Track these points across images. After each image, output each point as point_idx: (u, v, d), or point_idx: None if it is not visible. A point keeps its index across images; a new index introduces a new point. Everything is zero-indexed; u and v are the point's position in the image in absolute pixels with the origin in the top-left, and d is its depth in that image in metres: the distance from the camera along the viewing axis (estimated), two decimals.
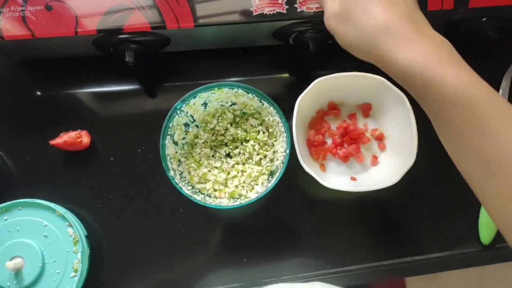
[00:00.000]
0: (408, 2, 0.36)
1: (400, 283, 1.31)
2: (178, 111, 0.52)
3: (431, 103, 0.34)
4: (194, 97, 0.53)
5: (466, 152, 0.33)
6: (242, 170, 0.56)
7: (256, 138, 0.57)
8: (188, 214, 0.57)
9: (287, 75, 0.64)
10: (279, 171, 0.51)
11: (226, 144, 0.58)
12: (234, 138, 0.58)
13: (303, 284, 0.52)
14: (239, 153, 0.57)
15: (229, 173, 0.57)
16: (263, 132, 0.57)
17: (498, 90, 0.65)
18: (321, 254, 0.58)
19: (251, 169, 0.56)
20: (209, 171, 0.57)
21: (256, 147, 0.56)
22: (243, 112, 0.58)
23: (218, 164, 0.57)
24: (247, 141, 0.57)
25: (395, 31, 0.34)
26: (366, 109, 0.61)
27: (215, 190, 0.55)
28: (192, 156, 0.56)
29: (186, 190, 0.50)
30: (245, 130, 0.58)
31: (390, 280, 1.29)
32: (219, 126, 0.57)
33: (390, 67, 0.36)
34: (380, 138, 0.60)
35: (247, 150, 0.57)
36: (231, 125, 0.58)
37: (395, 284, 1.31)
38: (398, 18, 0.35)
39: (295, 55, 0.64)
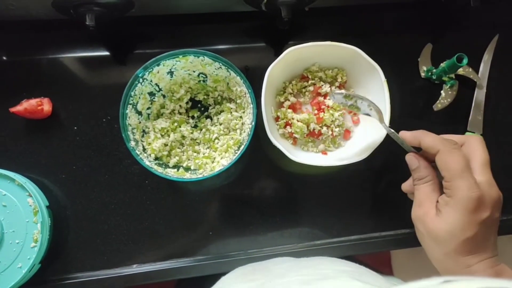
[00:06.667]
0: (490, 242, 0.40)
1: (385, 257, 1.32)
2: (141, 79, 0.50)
3: None
4: (158, 65, 0.50)
5: None
6: (209, 143, 0.55)
7: (229, 109, 0.55)
8: (154, 186, 0.55)
9: (259, 44, 0.61)
10: (244, 143, 0.50)
11: (192, 117, 0.57)
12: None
13: (307, 258, 0.51)
14: (210, 123, 0.56)
15: (197, 144, 0.55)
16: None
17: (479, 64, 0.62)
18: (291, 228, 0.57)
19: (219, 140, 0.55)
20: (176, 142, 0.55)
21: (229, 116, 0.54)
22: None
23: (185, 134, 0.55)
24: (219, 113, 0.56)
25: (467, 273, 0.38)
26: (342, 84, 0.59)
27: (180, 162, 0.54)
28: (156, 127, 0.54)
29: (148, 162, 0.49)
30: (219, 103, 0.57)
31: (374, 254, 1.30)
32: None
33: None
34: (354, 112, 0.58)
35: (219, 121, 0.55)
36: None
37: (380, 259, 1.32)
38: (474, 263, 0.39)
39: (268, 23, 0.61)
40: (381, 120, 0.49)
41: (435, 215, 0.40)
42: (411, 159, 0.45)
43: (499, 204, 0.40)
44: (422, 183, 0.43)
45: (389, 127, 0.51)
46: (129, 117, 0.50)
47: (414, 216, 0.43)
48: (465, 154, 0.41)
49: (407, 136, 0.45)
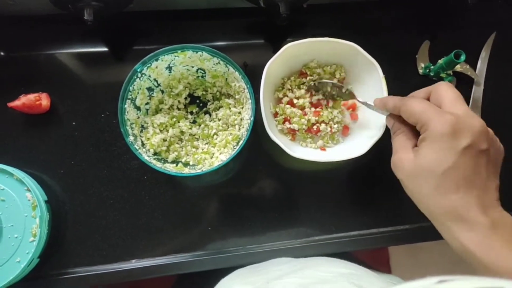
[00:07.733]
0: (483, 180, 0.37)
1: (384, 256, 1.32)
2: (139, 74, 0.50)
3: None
4: (156, 60, 0.50)
5: None
6: (208, 138, 0.55)
7: (228, 105, 0.55)
8: (153, 181, 0.56)
9: (258, 40, 0.61)
10: (243, 139, 0.50)
11: (191, 113, 0.57)
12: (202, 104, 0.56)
13: (306, 258, 0.51)
14: (208, 119, 0.56)
15: (196, 140, 0.56)
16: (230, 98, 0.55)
17: (477, 61, 0.63)
18: (290, 224, 0.57)
19: (217, 136, 0.55)
20: (174, 138, 0.55)
21: (228, 112, 0.54)
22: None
23: (184, 130, 0.55)
24: (218, 108, 0.56)
25: (461, 215, 0.36)
26: (340, 80, 0.59)
27: (179, 157, 0.54)
28: (154, 122, 0.54)
29: (147, 157, 0.49)
30: (217, 98, 0.57)
31: (373, 251, 1.29)
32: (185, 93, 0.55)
33: (450, 240, 0.38)
34: (353, 108, 0.58)
35: (218, 117, 0.55)
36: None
37: (379, 258, 1.32)
38: (467, 201, 0.36)
39: (266, 19, 0.61)
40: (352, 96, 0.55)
41: (413, 157, 0.39)
42: (388, 118, 0.47)
43: (484, 135, 0.36)
44: (397, 135, 0.44)
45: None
46: (127, 112, 0.50)
47: (391, 165, 0.42)
48: (435, 99, 0.41)
49: (376, 102, 0.49)
